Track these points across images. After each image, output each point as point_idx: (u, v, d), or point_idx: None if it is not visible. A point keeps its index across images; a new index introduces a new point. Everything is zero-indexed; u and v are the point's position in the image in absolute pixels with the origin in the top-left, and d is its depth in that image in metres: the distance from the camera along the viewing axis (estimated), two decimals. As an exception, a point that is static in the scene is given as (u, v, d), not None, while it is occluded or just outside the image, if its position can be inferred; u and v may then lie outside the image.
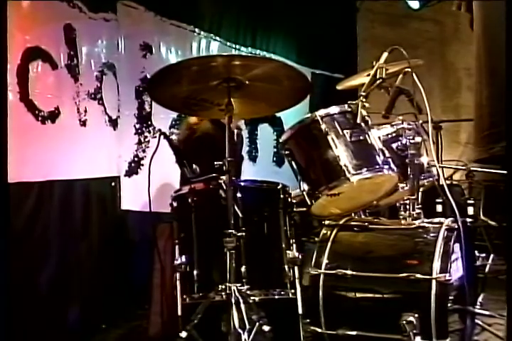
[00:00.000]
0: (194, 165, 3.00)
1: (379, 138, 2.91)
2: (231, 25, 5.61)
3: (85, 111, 4.03)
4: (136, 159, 4.56)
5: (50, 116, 3.73)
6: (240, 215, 2.78)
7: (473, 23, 1.85)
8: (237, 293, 2.61)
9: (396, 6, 6.88)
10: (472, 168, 4.49)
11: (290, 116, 4.58)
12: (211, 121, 3.91)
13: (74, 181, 3.95)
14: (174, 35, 4.95)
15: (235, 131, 3.73)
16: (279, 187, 3.01)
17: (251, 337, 2.56)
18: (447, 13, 6.23)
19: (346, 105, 2.92)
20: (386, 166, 2.85)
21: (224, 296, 2.64)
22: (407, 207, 2.99)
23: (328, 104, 2.97)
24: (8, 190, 2.91)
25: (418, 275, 2.64)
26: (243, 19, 5.76)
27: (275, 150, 6.00)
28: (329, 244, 2.91)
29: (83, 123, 4.03)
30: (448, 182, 5.30)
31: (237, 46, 5.68)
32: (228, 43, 5.55)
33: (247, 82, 2.76)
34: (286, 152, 3.01)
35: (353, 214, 3.22)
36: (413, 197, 2.95)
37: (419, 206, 2.98)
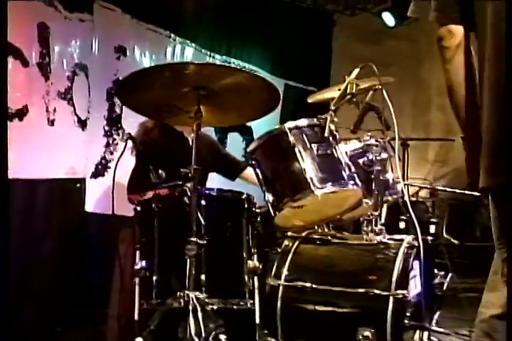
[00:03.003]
0: (160, 171, 2.99)
1: (346, 152, 2.91)
2: (207, 32, 5.60)
3: (54, 110, 4.00)
4: (103, 161, 4.52)
5: (18, 114, 3.70)
6: (203, 223, 2.78)
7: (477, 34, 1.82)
8: (195, 301, 2.59)
9: (372, 22, 6.92)
10: (437, 187, 4.53)
11: (261, 126, 4.58)
12: (160, 129, 3.76)
13: (38, 181, 3.91)
14: (149, 39, 4.94)
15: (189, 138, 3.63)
16: (243, 196, 3.01)
17: (207, 345, 2.55)
18: (423, 32, 6.27)
19: (315, 119, 2.93)
20: (351, 181, 2.85)
21: (182, 303, 2.62)
22: (371, 222, 3.00)
23: (299, 116, 2.98)
24: (8, 188, 2.86)
25: (376, 291, 2.65)
26: (219, 27, 5.75)
27: (243, 159, 5.98)
28: (290, 255, 2.92)
29: (51, 123, 3.99)
30: (413, 199, 5.36)
31: (212, 54, 5.67)
32: (203, 50, 5.54)
33: (217, 91, 2.76)
34: (253, 162, 3.01)
35: (316, 227, 3.24)
36: (376, 213, 2.96)
37: (382, 222, 3.00)
